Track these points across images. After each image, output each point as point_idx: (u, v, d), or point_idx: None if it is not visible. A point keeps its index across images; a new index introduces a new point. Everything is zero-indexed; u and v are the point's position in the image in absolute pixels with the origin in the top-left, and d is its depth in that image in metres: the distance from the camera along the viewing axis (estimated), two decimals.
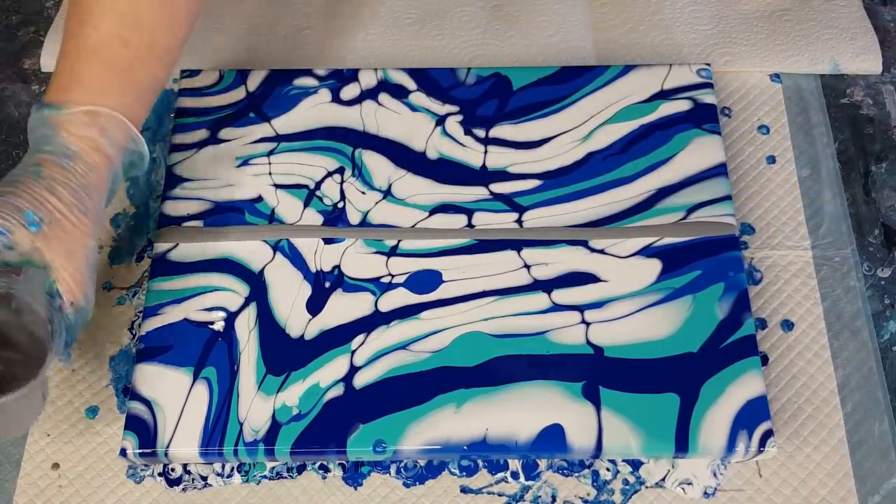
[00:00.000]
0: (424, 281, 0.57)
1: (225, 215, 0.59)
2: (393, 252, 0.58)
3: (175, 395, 0.53)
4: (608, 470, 0.54)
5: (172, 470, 0.55)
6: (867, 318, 0.58)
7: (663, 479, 0.54)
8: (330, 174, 0.61)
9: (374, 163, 0.61)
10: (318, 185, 0.61)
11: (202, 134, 0.62)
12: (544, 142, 0.62)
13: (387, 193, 0.60)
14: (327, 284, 0.57)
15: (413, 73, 0.65)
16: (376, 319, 0.55)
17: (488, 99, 0.64)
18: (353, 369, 0.54)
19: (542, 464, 0.54)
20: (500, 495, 0.54)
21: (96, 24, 0.50)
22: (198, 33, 0.70)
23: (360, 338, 0.55)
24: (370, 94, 0.64)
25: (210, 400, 0.53)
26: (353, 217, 0.59)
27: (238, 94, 0.64)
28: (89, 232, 0.49)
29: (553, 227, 0.58)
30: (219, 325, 0.55)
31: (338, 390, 0.53)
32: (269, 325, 0.55)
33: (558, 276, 0.57)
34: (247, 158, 0.62)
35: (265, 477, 0.54)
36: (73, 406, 0.56)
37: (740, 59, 0.68)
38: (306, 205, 0.60)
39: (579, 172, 0.60)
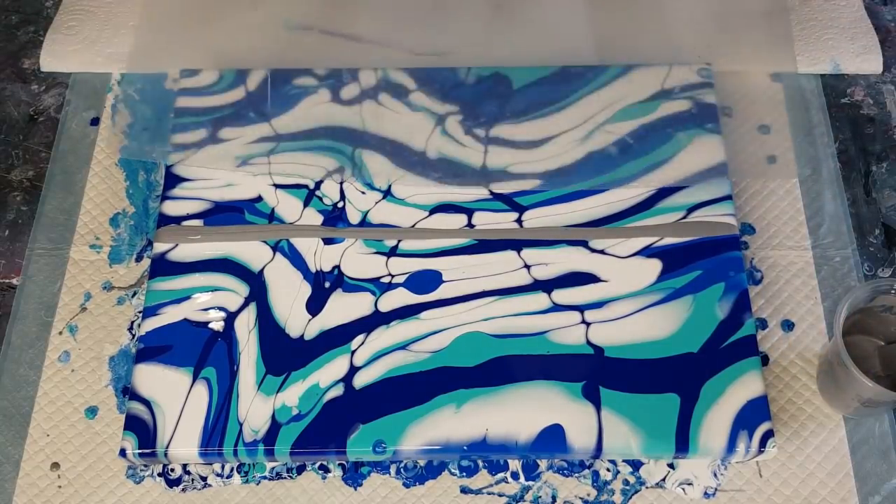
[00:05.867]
0: (424, 281, 0.57)
1: (225, 215, 0.59)
2: (393, 252, 0.58)
3: (175, 395, 0.53)
4: (608, 470, 0.54)
5: (172, 470, 0.55)
6: None
7: (663, 480, 0.54)
8: (330, 174, 0.61)
9: (374, 163, 0.61)
10: (318, 184, 0.61)
11: (202, 134, 0.62)
12: (544, 142, 0.62)
13: (387, 193, 0.60)
14: (327, 284, 0.57)
15: (413, 73, 0.65)
16: (376, 319, 0.55)
17: (488, 99, 0.64)
18: (353, 369, 0.54)
19: (543, 464, 0.54)
20: (500, 496, 0.54)
21: None
22: (198, 33, 0.70)
23: (359, 338, 0.55)
24: (370, 93, 0.64)
25: (210, 400, 0.53)
26: (353, 217, 0.59)
27: (238, 94, 0.64)
28: None
29: (553, 227, 0.58)
30: (218, 326, 0.55)
31: (338, 390, 0.53)
32: (268, 326, 0.55)
33: (558, 276, 0.57)
34: (246, 158, 0.62)
35: (265, 477, 0.54)
36: (73, 406, 0.56)
37: (740, 59, 0.68)
38: (306, 205, 0.60)
39: (579, 172, 0.60)
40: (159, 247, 0.58)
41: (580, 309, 0.55)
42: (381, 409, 0.52)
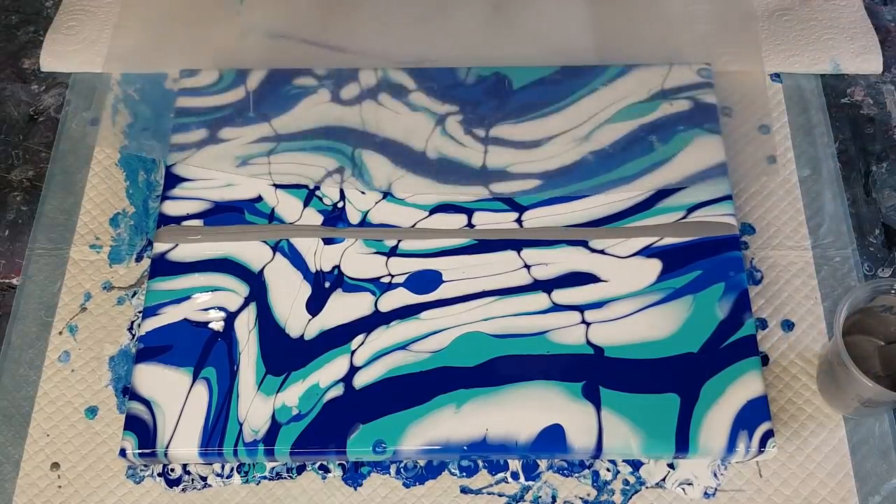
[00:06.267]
0: (424, 281, 0.57)
1: (225, 215, 0.59)
2: (393, 252, 0.58)
3: (174, 395, 0.53)
4: (608, 470, 0.54)
5: (172, 470, 0.55)
6: None
7: (664, 480, 0.54)
8: (330, 174, 0.61)
9: (374, 163, 0.61)
10: (318, 185, 0.61)
11: (202, 134, 0.62)
12: (544, 142, 0.62)
13: (387, 193, 0.60)
14: (327, 284, 0.57)
15: (413, 73, 0.65)
16: (376, 319, 0.55)
17: (488, 99, 0.64)
18: (353, 369, 0.54)
19: (543, 464, 0.54)
20: (500, 496, 0.54)
21: None
22: (197, 33, 0.70)
23: (359, 338, 0.55)
24: (370, 93, 0.64)
25: (210, 400, 0.53)
26: (353, 217, 0.59)
27: (238, 94, 0.64)
28: None
29: (553, 227, 0.58)
30: (218, 326, 0.55)
31: (338, 390, 0.53)
32: (268, 325, 0.55)
33: (558, 277, 0.57)
34: (246, 158, 0.62)
35: (265, 477, 0.54)
36: (73, 406, 0.56)
37: (740, 59, 0.68)
38: (306, 205, 0.60)
39: (579, 172, 0.60)
40: (159, 247, 0.58)
41: (580, 309, 0.55)
42: (381, 409, 0.52)
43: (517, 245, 0.58)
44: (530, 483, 0.54)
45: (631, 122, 0.62)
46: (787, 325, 0.58)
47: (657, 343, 0.54)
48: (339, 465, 0.55)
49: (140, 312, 0.58)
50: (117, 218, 0.63)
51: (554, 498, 0.53)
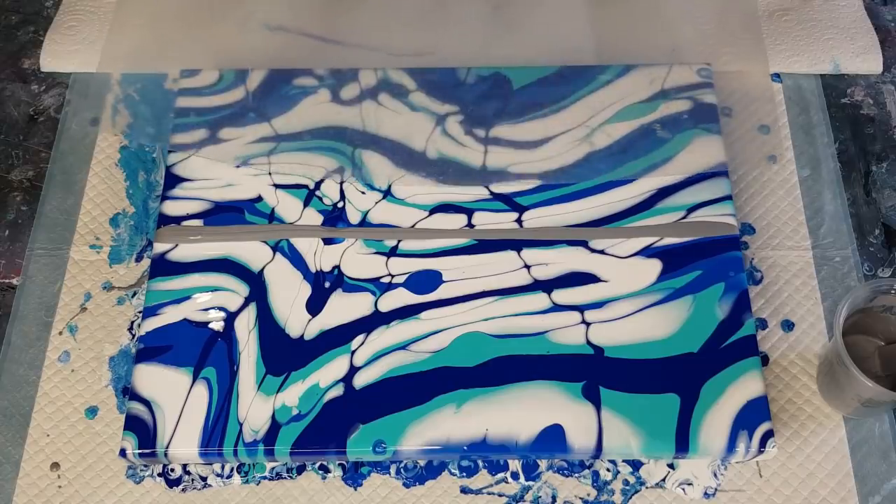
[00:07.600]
0: (424, 281, 0.57)
1: (225, 215, 0.59)
2: (393, 252, 0.58)
3: (174, 395, 0.53)
4: (608, 470, 0.54)
5: (172, 470, 0.55)
6: None
7: (664, 480, 0.54)
8: (330, 174, 0.61)
9: (374, 163, 0.61)
10: (318, 185, 0.61)
11: (202, 134, 0.62)
12: (544, 142, 0.62)
13: (387, 193, 0.60)
14: (327, 284, 0.57)
15: (413, 73, 0.65)
16: (376, 319, 0.55)
17: (488, 99, 0.64)
18: (353, 369, 0.54)
19: (543, 464, 0.54)
20: (500, 496, 0.54)
21: None
22: (197, 33, 0.70)
23: (359, 338, 0.55)
24: (370, 93, 0.64)
25: (210, 400, 0.53)
26: (353, 217, 0.59)
27: (238, 94, 0.64)
28: None
29: (553, 227, 0.58)
30: (218, 326, 0.55)
31: (338, 390, 0.53)
32: (268, 326, 0.55)
33: (558, 277, 0.57)
34: (247, 158, 0.62)
35: (265, 477, 0.54)
36: (73, 406, 0.56)
37: (740, 59, 0.68)
38: (306, 205, 0.60)
39: (579, 172, 0.60)
40: (159, 247, 0.58)
41: (580, 309, 0.55)
42: (381, 409, 0.52)
43: (517, 245, 0.58)
44: (530, 483, 0.54)
45: (631, 123, 0.62)
46: (787, 325, 0.58)
47: (657, 343, 0.54)
48: (339, 465, 0.55)
49: (140, 312, 0.58)
50: (117, 218, 0.63)
51: (554, 498, 0.53)
